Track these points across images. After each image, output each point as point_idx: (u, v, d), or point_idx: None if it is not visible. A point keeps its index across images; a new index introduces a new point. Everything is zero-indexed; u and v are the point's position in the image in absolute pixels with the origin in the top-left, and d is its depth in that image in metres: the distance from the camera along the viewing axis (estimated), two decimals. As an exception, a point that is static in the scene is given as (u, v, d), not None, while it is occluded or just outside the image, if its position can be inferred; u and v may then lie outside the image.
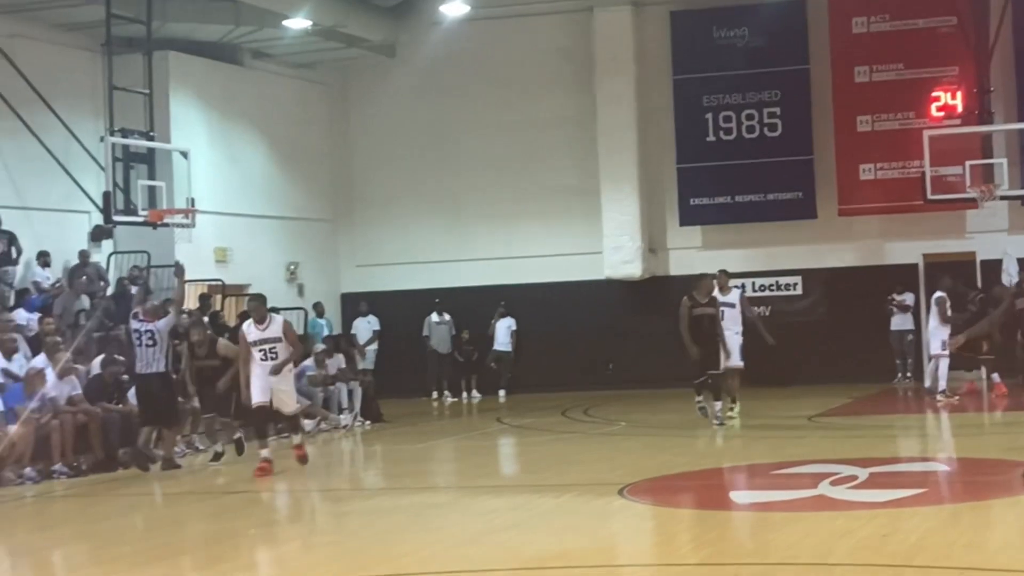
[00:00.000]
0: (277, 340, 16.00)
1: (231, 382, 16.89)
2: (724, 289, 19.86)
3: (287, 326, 16.47)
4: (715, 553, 10.27)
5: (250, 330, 16.12)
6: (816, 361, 26.72)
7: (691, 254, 27.74)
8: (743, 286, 23.62)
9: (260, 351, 15.97)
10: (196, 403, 18.96)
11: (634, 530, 11.94)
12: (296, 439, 16.67)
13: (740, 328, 19.91)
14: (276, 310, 25.21)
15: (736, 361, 19.68)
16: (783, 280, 27.67)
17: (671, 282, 26.52)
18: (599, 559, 10.26)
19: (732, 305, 19.80)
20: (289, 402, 16.39)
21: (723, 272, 20.39)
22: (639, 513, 12.63)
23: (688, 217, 27.86)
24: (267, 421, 16.67)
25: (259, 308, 16.40)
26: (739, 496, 13.47)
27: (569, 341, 27.90)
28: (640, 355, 26.78)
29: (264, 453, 16.14)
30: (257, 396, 15.96)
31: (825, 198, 27.02)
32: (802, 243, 27.33)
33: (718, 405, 19.06)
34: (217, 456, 17.59)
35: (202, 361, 17.41)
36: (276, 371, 15.93)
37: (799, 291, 27.68)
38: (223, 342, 17.61)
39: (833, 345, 26.69)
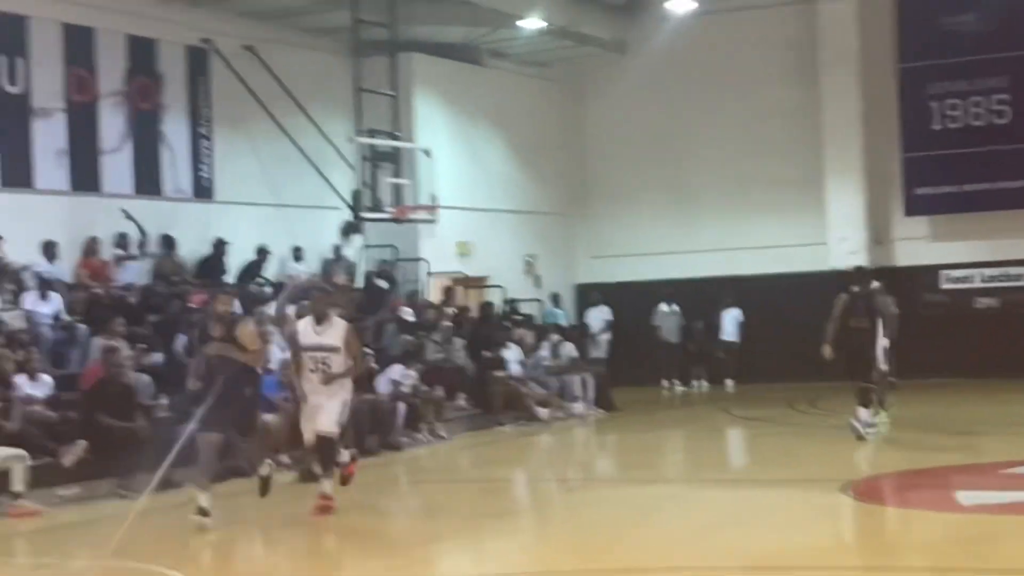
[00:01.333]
0: (333, 350, 12.87)
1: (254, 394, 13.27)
2: None
3: (350, 334, 13.04)
4: (941, 557, 10.33)
5: (306, 331, 12.99)
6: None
7: (917, 244, 27.73)
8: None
9: (311, 359, 12.93)
10: (442, 391, 19.95)
11: (856, 530, 12.06)
12: (344, 456, 13.51)
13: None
14: (515, 301, 26.57)
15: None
16: (1013, 271, 27.24)
17: (897, 273, 26.24)
18: (821, 560, 10.32)
19: None
20: (329, 421, 12.94)
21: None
22: (861, 512, 12.69)
23: (914, 207, 27.69)
24: (332, 450, 13.23)
25: (320, 300, 13.21)
26: (966, 496, 13.17)
27: (796, 332, 27.30)
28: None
29: (326, 488, 13.21)
30: (321, 426, 12.98)
31: (1057, 186, 26.52)
32: (1033, 233, 26.87)
33: (864, 412, 17.58)
34: (264, 485, 13.38)
35: (216, 345, 12.87)
36: (327, 381, 12.92)
37: (1031, 282, 27.24)
38: (248, 328, 13.21)
39: (1069, 338, 26.14)
